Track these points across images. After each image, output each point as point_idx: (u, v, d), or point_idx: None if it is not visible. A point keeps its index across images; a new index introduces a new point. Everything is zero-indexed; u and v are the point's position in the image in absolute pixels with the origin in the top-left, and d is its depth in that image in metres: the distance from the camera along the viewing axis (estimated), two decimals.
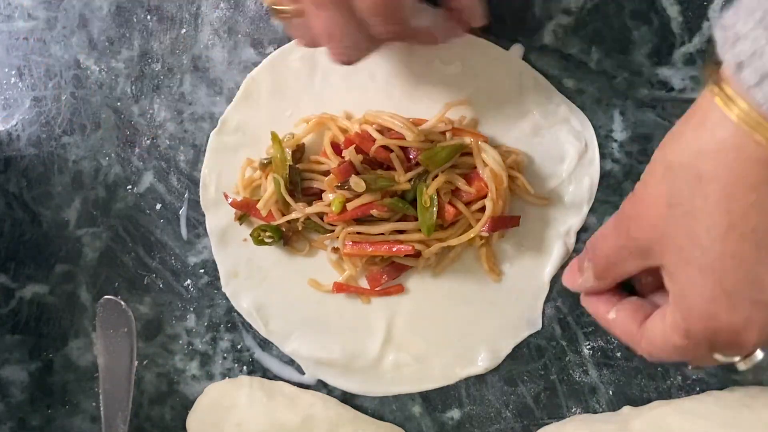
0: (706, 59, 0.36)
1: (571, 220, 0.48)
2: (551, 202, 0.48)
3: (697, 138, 0.33)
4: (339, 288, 0.49)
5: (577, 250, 0.49)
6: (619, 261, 0.39)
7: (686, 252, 0.34)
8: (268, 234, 0.49)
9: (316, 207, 0.48)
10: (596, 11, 0.49)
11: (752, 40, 0.30)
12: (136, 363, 0.49)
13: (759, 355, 0.36)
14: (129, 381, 0.49)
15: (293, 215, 0.48)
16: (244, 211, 0.50)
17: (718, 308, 0.34)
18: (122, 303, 0.50)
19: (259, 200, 0.49)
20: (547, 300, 0.49)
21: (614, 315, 0.41)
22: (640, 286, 0.41)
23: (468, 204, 0.47)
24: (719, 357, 0.36)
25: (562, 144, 0.48)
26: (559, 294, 0.49)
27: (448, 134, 0.47)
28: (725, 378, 0.47)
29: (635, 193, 0.37)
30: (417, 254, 0.47)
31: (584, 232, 0.48)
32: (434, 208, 0.46)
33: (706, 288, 0.34)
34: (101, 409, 0.49)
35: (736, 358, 0.36)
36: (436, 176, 0.47)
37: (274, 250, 0.50)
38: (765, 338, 0.35)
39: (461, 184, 0.47)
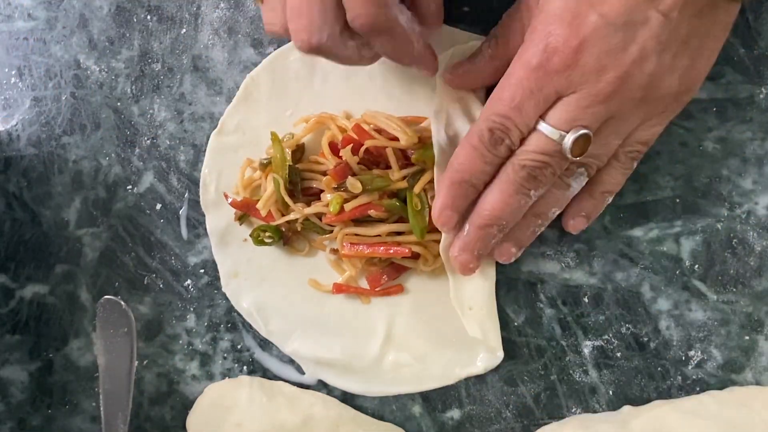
0: None
1: None
2: None
3: None
4: (339, 289, 0.49)
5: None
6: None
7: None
8: (267, 234, 0.49)
9: (314, 208, 0.48)
10: None
11: None
12: (136, 363, 0.49)
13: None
14: (129, 381, 0.49)
15: (292, 216, 0.48)
16: (244, 211, 0.50)
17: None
18: (122, 303, 0.50)
19: (259, 200, 0.49)
20: (547, 300, 0.49)
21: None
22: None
23: None
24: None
25: None
26: (559, 294, 0.49)
27: None
28: (725, 378, 0.47)
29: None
30: (415, 255, 0.47)
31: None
32: (425, 211, 0.46)
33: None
34: (101, 409, 0.49)
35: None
36: None
37: (274, 250, 0.50)
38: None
39: None
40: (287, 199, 0.47)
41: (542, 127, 0.40)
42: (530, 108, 0.39)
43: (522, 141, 0.41)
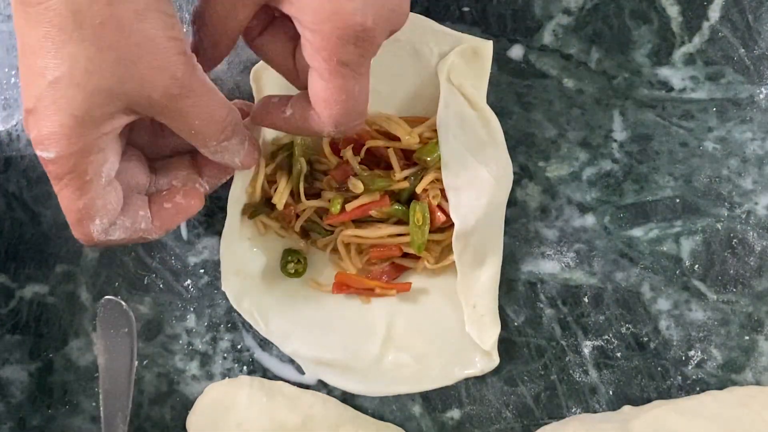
0: None
1: None
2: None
3: None
4: (339, 288, 0.49)
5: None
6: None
7: None
8: (294, 261, 0.49)
9: (319, 201, 0.47)
10: (596, 11, 0.49)
11: None
12: (136, 363, 0.49)
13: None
14: (129, 381, 0.49)
15: (309, 203, 0.47)
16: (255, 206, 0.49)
17: (337, 3, 0.35)
18: (123, 303, 0.50)
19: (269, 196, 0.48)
20: (547, 300, 0.49)
21: (290, 110, 0.42)
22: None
23: None
24: None
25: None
26: (559, 294, 0.49)
27: None
28: (725, 378, 0.47)
29: None
30: (416, 255, 0.47)
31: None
32: (426, 227, 0.46)
33: None
34: (101, 409, 0.49)
35: None
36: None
37: (274, 250, 0.50)
38: (383, 24, 0.36)
39: None
40: (301, 187, 0.47)
41: None
42: None
43: None
